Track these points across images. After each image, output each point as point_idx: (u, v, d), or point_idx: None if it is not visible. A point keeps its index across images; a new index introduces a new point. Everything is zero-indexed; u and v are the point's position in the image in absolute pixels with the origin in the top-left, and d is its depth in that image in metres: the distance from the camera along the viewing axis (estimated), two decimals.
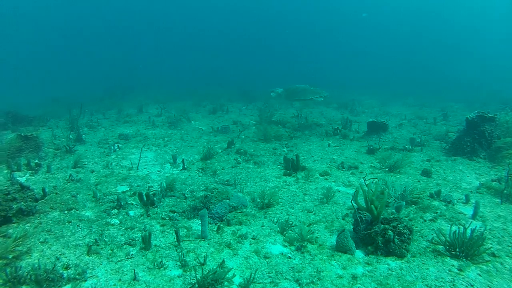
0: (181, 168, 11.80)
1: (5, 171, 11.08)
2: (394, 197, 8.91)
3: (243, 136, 15.80)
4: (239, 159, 12.53)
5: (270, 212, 8.50)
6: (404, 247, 6.55)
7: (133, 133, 16.07)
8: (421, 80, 36.54)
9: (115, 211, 8.31)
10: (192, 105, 23.85)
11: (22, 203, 7.78)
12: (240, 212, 8.35)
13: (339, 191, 9.92)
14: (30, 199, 8.02)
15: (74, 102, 24.82)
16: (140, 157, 12.12)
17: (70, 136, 15.11)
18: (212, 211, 7.99)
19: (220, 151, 13.65)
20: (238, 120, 19.06)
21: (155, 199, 8.69)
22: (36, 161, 12.17)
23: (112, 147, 13.80)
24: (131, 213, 8.24)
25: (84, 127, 17.21)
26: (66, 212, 8.31)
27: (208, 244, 6.89)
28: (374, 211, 6.71)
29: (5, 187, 7.83)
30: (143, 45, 69.00)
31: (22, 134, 12.50)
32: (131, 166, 11.91)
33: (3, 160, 11.90)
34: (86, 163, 11.98)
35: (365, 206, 7.01)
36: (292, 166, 11.48)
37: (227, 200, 8.43)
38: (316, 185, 10.49)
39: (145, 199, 8.56)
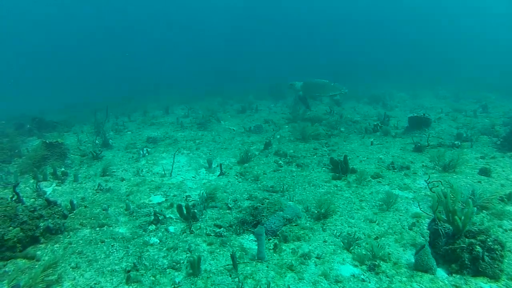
0: (219, 173, 10.66)
1: (31, 181, 10.18)
2: (461, 202, 7.58)
3: (278, 136, 14.81)
4: (280, 162, 11.39)
5: (329, 224, 7.43)
6: (496, 266, 5.53)
7: (161, 136, 15.04)
8: (448, 69, 34.33)
9: (153, 226, 7.25)
10: (219, 104, 22.74)
11: (50, 220, 6.79)
12: (295, 225, 7.24)
13: (397, 196, 8.64)
14: (58, 216, 7.03)
15: (98, 106, 24.04)
16: (173, 162, 11.10)
17: (96, 141, 14.17)
18: (265, 225, 6.79)
19: (257, 153, 12.53)
20: (270, 118, 17.89)
21: (195, 211, 7.51)
22: (62, 169, 11.24)
23: (141, 152, 12.79)
24: (171, 229, 7.15)
25: (110, 131, 16.28)
26: (97, 229, 7.28)
27: (267, 267, 5.77)
28: (459, 223, 5.50)
29: (31, 204, 6.78)
30: (163, 44, 68.01)
31: (47, 142, 11.60)
32: (163, 172, 10.99)
33: (28, 169, 10.98)
34: (114, 170, 10.98)
35: (445, 218, 5.74)
36: (340, 169, 10.32)
37: (281, 212, 7.28)
38: (371, 190, 9.41)
39: (186, 212, 7.47)
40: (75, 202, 8.49)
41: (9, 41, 63.38)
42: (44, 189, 9.90)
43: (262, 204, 7.46)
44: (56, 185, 10.27)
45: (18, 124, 17.73)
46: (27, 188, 9.94)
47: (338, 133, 15.26)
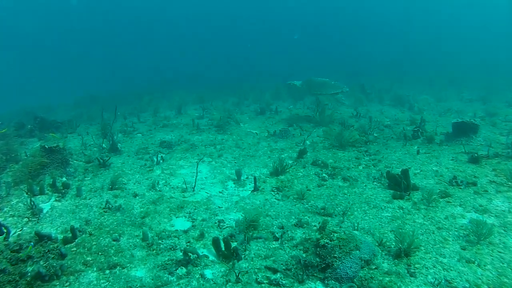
0: (252, 188, 8.89)
1: (26, 195, 7.86)
2: None
3: (309, 142, 12.87)
4: (323, 175, 9.30)
5: (416, 265, 5.61)
6: None
7: (176, 140, 12.85)
8: (464, 70, 32.00)
9: (182, 270, 5.11)
10: (234, 105, 20.56)
11: (42, 262, 4.47)
12: (374, 268, 4.99)
13: (491, 226, 6.66)
14: (52, 255, 4.75)
15: (105, 103, 21.93)
16: (196, 174, 9.07)
17: (103, 145, 11.94)
18: (338, 270, 4.60)
19: (290, 162, 10.33)
20: (293, 121, 15.81)
21: (235, 244, 5.27)
22: (64, 179, 9.10)
23: (155, 159, 10.65)
24: (208, 274, 5.03)
25: (118, 132, 14.07)
26: (107, 271, 5.07)
27: None
28: None
29: (15, 241, 4.56)
30: (172, 41, 65.76)
31: (46, 146, 9.42)
32: (184, 186, 9.08)
33: (24, 178, 8.82)
34: (125, 182, 8.84)
35: None
36: (400, 185, 8.37)
37: (357, 251, 4.98)
38: (444, 213, 7.43)
39: (224, 248, 5.15)
40: (77, 225, 6.40)
41: (21, 34, 61.15)
42: (40, 205, 7.85)
43: (330, 241, 5.23)
44: (56, 200, 8.18)
45: (18, 123, 15.47)
46: (19, 205, 7.86)
47: (374, 139, 13.17)
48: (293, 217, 7.24)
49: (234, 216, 7.18)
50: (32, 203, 7.61)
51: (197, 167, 9.00)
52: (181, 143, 12.82)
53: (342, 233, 5.57)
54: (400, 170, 8.72)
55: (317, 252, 5.35)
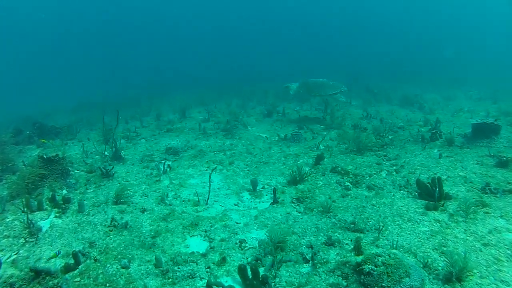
0: (271, 200, 8.12)
1: (22, 212, 7.00)
2: None
3: (323, 147, 12.06)
4: (346, 183, 8.44)
5: None
6: None
7: (182, 146, 11.98)
8: (468, 67, 31.08)
9: None
10: (239, 107, 19.68)
11: None
12: None
13: None
14: None
15: (106, 106, 21.01)
16: (209, 184, 8.12)
17: (106, 153, 11.03)
18: None
19: (307, 169, 9.42)
20: (302, 124, 14.83)
21: (262, 269, 4.45)
22: (64, 192, 8.23)
23: (161, 167, 9.79)
24: None
25: (121, 138, 13.13)
26: None
27: None
28: None
29: (5, 281, 3.71)
30: (170, 44, 64.72)
31: (45, 156, 8.47)
32: (195, 198, 8.28)
33: (21, 191, 7.92)
34: (131, 194, 7.96)
35: None
36: (432, 194, 7.64)
37: (407, 279, 4.15)
38: (486, 226, 6.59)
39: (252, 277, 4.27)
40: (79, 247, 5.51)
41: (19, 38, 60.12)
42: (38, 223, 6.95)
43: (376, 267, 4.39)
44: (56, 216, 7.28)
45: (16, 129, 14.56)
46: (15, 223, 7.03)
47: (391, 142, 12.32)
48: (321, 234, 6.38)
49: (256, 235, 6.31)
50: (30, 221, 6.68)
51: (209, 178, 8.03)
52: (188, 149, 11.94)
53: (388, 257, 4.70)
54: (431, 177, 7.99)
55: (361, 281, 4.50)
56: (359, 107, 19.42)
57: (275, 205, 7.79)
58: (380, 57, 40.99)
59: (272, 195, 8.03)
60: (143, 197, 8.14)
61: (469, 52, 40.87)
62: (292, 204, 7.89)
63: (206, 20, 72.28)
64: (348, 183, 8.66)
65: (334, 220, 7.00)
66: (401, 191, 8.36)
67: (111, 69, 44.98)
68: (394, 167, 9.94)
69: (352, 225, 6.73)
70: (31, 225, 6.80)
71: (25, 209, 7.42)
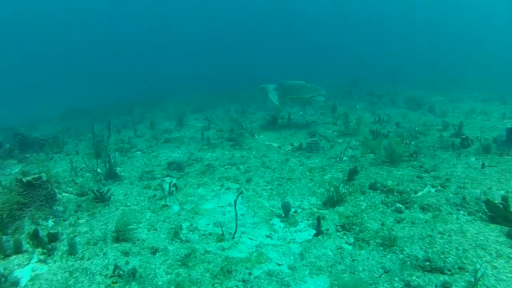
0: (313, 230, 6.48)
1: None
2: None
3: (346, 158, 10.45)
4: (397, 205, 6.78)
5: None
6: None
7: (185, 159, 10.10)
8: (465, 68, 29.92)
9: None
10: (238, 113, 17.88)
11: None
12: None
13: None
14: None
15: (94, 114, 18.88)
16: (236, 214, 6.36)
17: (98, 170, 8.90)
18: None
19: (340, 185, 7.56)
20: (313, 130, 13.24)
21: None
22: (50, 223, 6.30)
23: (166, 187, 7.84)
24: None
25: (114, 151, 11.08)
26: None
27: None
28: None
29: None
30: (155, 51, 62.29)
31: (24, 180, 6.36)
32: (218, 230, 6.50)
33: None
34: (134, 227, 6.06)
35: None
36: (507, 217, 6.17)
37: None
38: None
39: None
40: None
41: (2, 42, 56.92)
42: (15, 273, 4.96)
43: None
44: (39, 261, 5.16)
45: None
46: None
47: (419, 150, 10.72)
48: (395, 279, 4.56)
49: (314, 286, 4.36)
50: (1, 274, 4.65)
51: (235, 206, 6.08)
52: (193, 163, 10.04)
53: None
54: (483, 192, 7.10)
55: None
56: (365, 110, 17.78)
57: (320, 236, 5.87)
58: (376, 59, 39.55)
59: (309, 221, 6.36)
60: (150, 231, 6.19)
61: (466, 54, 39.70)
62: (338, 234, 6.13)
63: (196, 27, 70.04)
64: (399, 204, 6.83)
65: (401, 256, 5.24)
66: (462, 212, 6.71)
67: (98, 76, 42.35)
68: (438, 180, 8.33)
69: (428, 263, 5.00)
70: (3, 278, 4.75)
71: None
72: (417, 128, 13.62)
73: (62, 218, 6.93)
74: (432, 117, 15.83)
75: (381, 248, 5.65)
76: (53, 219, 6.93)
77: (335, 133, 13.27)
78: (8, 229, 6.39)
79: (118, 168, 9.63)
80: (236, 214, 6.07)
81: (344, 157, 10.19)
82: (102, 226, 6.48)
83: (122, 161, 10.59)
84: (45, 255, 5.67)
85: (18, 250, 5.72)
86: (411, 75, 30.19)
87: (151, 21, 69.01)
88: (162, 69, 44.99)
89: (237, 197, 6.21)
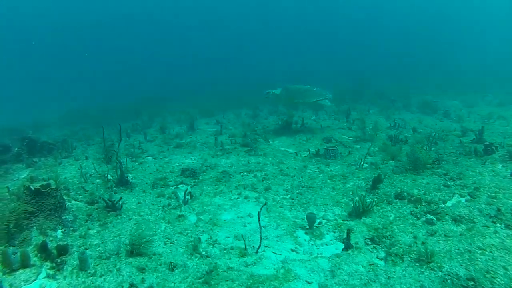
0: (341, 244, 5.98)
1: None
2: None
3: (365, 164, 9.85)
4: (429, 216, 6.29)
5: None
6: None
7: (199, 165, 9.59)
8: (473, 72, 29.18)
9: None
10: (249, 117, 17.27)
11: None
12: None
13: None
14: None
15: (101, 119, 18.41)
16: (260, 227, 5.93)
17: (109, 176, 8.42)
18: None
19: (364, 193, 7.19)
20: (329, 135, 12.70)
21: None
22: (59, 234, 5.77)
23: (180, 195, 7.45)
24: None
25: (124, 156, 10.54)
26: None
27: None
28: None
29: None
30: (159, 53, 61.92)
31: (32, 188, 5.86)
32: (239, 243, 6.04)
33: (1, 236, 5.33)
34: (149, 239, 5.48)
35: None
36: None
37: None
38: None
39: None
40: None
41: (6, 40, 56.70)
42: None
43: None
44: (47, 277, 4.67)
45: (3, 146, 11.85)
46: None
47: (441, 157, 10.03)
48: None
49: None
50: None
51: (259, 217, 5.56)
52: (207, 170, 9.53)
53: None
54: None
55: None
56: (379, 115, 17.21)
57: (350, 251, 5.34)
58: (382, 60, 38.87)
59: (335, 233, 5.97)
60: (167, 244, 5.68)
61: (476, 56, 38.92)
62: (368, 247, 5.54)
63: (201, 29, 69.64)
64: (430, 216, 6.30)
65: (441, 273, 4.78)
66: (499, 225, 6.11)
67: (101, 79, 41.97)
68: (466, 189, 7.81)
69: (472, 283, 4.41)
70: None
71: (0, 267, 4.88)
72: (434, 133, 13.07)
73: (71, 229, 6.44)
74: (448, 122, 15.26)
75: (417, 264, 5.13)
76: (62, 230, 6.44)
77: (351, 138, 12.74)
78: (15, 240, 5.91)
79: (129, 175, 9.15)
80: (260, 226, 5.52)
81: (364, 164, 9.60)
82: (115, 238, 5.97)
83: (133, 167, 10.11)
84: (54, 270, 5.18)
85: (25, 263, 5.23)
86: (419, 76, 29.51)
87: (156, 24, 68.51)
88: (168, 73, 44.46)
89: (261, 208, 5.66)
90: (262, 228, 6.30)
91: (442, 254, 5.29)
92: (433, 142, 11.56)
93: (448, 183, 8.26)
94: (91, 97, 29.85)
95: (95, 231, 6.40)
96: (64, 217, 6.74)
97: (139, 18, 66.14)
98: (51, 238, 6.04)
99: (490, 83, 25.29)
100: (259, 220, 5.54)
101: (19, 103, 29.23)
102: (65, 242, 5.86)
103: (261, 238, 5.56)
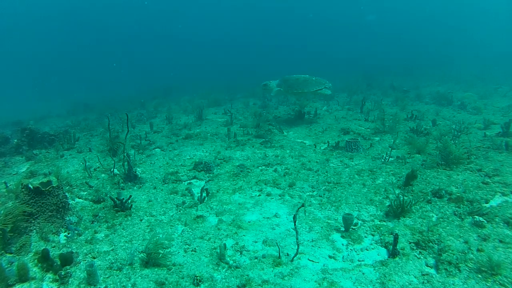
0: (384, 251, 5.16)
1: None
2: None
3: (389, 158, 8.97)
4: (476, 218, 5.38)
5: None
6: None
7: (211, 157, 8.73)
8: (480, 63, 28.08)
9: None
10: (259, 107, 16.17)
11: None
12: None
13: None
14: None
15: (103, 111, 17.42)
16: (296, 233, 5.38)
17: (115, 171, 7.51)
18: None
19: (398, 191, 6.79)
20: (345, 127, 12.31)
21: None
22: (62, 239, 4.93)
23: (195, 191, 6.65)
24: None
25: (130, 147, 9.62)
26: None
27: None
28: None
29: None
30: (165, 44, 60.62)
31: (31, 186, 5.01)
32: (270, 250, 5.21)
33: None
34: (166, 245, 4.66)
35: None
36: None
37: None
38: None
39: None
40: None
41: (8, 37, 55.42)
42: None
43: None
44: None
45: (2, 137, 10.93)
46: None
47: (468, 151, 9.14)
48: None
49: None
50: None
51: (295, 224, 4.65)
52: (222, 163, 8.63)
53: None
54: None
55: None
56: (392, 105, 16.26)
57: (397, 258, 4.49)
58: (386, 53, 37.81)
59: (374, 237, 5.40)
60: (188, 252, 4.80)
61: (483, 48, 37.81)
62: (415, 253, 4.62)
63: (207, 20, 68.12)
64: (479, 217, 5.42)
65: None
66: None
67: (107, 70, 40.83)
68: (508, 187, 6.69)
69: None
70: None
71: None
72: (454, 126, 12.20)
73: (76, 232, 5.54)
74: (466, 114, 14.32)
75: (479, 276, 4.30)
76: (66, 233, 5.52)
77: (369, 130, 11.83)
78: (12, 246, 5.03)
79: (137, 169, 8.23)
80: (297, 232, 4.63)
81: (388, 158, 8.72)
82: (127, 245, 5.08)
83: (141, 160, 9.22)
84: (58, 284, 4.29)
85: (23, 276, 4.36)
86: (426, 69, 28.44)
87: (160, 13, 67.03)
88: (172, 65, 43.29)
89: (297, 210, 4.74)
90: (293, 230, 5.44)
91: (505, 265, 4.43)
92: (456, 136, 10.67)
93: (486, 180, 7.35)
94: (94, 88, 28.76)
95: (102, 235, 5.51)
96: (68, 219, 5.86)
97: (144, 7, 64.57)
98: (53, 244, 5.15)
99: (499, 75, 24.25)
100: (295, 224, 4.69)
101: (24, 98, 28.16)
102: (70, 249, 4.96)
103: (298, 244, 4.66)
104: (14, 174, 8.91)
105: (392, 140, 10.27)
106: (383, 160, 8.76)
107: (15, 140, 11.11)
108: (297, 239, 4.75)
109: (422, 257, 4.91)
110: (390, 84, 21.11)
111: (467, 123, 12.34)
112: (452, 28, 53.30)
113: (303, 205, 4.94)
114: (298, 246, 4.73)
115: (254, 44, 54.79)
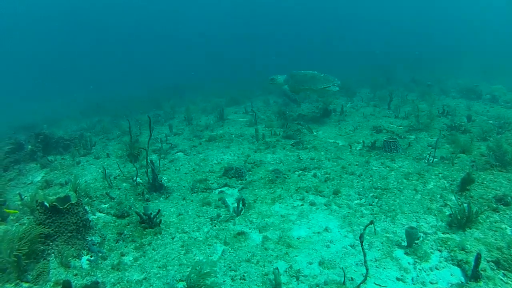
0: (458, 270, 4.30)
1: None
2: None
3: (433, 159, 8.00)
4: None
5: None
6: None
7: (241, 162, 7.99)
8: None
9: None
10: (280, 105, 15.30)
11: None
12: None
13: None
14: None
15: (117, 112, 16.65)
16: (364, 254, 4.49)
17: (138, 179, 6.64)
18: None
19: (453, 197, 5.97)
20: (377, 125, 11.41)
21: None
22: (85, 266, 4.03)
23: (229, 202, 5.66)
24: None
25: (150, 152, 8.79)
26: None
27: None
28: None
29: None
30: (171, 43, 59.75)
31: (47, 204, 4.12)
32: (334, 275, 4.36)
33: (8, 267, 3.67)
34: (207, 269, 3.57)
35: None
36: None
37: None
38: None
39: None
40: None
41: (19, 38, 55.03)
42: None
43: None
44: None
45: (14, 143, 10.22)
46: None
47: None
48: None
49: None
50: None
51: (361, 242, 3.79)
52: (253, 168, 7.80)
53: None
54: None
55: None
56: (419, 101, 15.22)
57: (481, 283, 3.54)
58: (395, 46, 36.37)
59: (441, 253, 4.67)
60: (236, 281, 4.02)
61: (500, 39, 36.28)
62: (499, 276, 3.63)
63: (213, 18, 67.04)
64: None
65: None
66: None
67: (117, 71, 40.06)
68: None
69: None
70: None
71: None
72: (492, 121, 11.19)
73: (100, 254, 4.69)
74: (500, 108, 13.20)
75: None
76: (89, 256, 4.66)
77: (401, 128, 10.85)
78: (28, 274, 4.19)
79: (162, 176, 7.36)
80: (365, 254, 3.71)
81: (432, 159, 7.75)
82: (161, 272, 4.23)
83: (164, 166, 8.35)
84: None
85: None
86: (436, 62, 27.02)
87: (173, 13, 66.13)
88: (184, 63, 42.44)
89: (365, 228, 3.82)
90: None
91: None
92: (499, 132, 9.67)
93: None
94: (111, 89, 28.00)
95: (131, 258, 4.65)
96: (89, 239, 4.98)
97: (156, 7, 63.78)
98: (75, 271, 4.32)
99: None
100: (362, 246, 3.76)
101: (24, 98, 27.50)
102: (94, 277, 4.09)
103: (367, 269, 3.75)
104: (29, 184, 8.17)
105: (430, 139, 9.32)
106: (426, 161, 7.77)
107: (29, 146, 10.39)
108: (365, 261, 3.85)
109: (509, 281, 3.95)
110: (411, 78, 20.01)
111: (506, 118, 11.26)
112: (465, 21, 51.40)
113: (371, 222, 4.00)
114: (367, 271, 3.82)
115: (267, 39, 53.55)
